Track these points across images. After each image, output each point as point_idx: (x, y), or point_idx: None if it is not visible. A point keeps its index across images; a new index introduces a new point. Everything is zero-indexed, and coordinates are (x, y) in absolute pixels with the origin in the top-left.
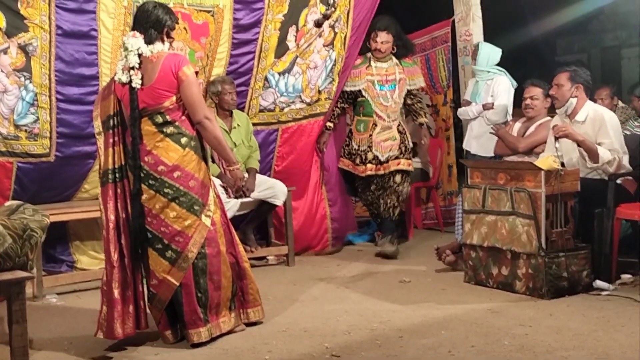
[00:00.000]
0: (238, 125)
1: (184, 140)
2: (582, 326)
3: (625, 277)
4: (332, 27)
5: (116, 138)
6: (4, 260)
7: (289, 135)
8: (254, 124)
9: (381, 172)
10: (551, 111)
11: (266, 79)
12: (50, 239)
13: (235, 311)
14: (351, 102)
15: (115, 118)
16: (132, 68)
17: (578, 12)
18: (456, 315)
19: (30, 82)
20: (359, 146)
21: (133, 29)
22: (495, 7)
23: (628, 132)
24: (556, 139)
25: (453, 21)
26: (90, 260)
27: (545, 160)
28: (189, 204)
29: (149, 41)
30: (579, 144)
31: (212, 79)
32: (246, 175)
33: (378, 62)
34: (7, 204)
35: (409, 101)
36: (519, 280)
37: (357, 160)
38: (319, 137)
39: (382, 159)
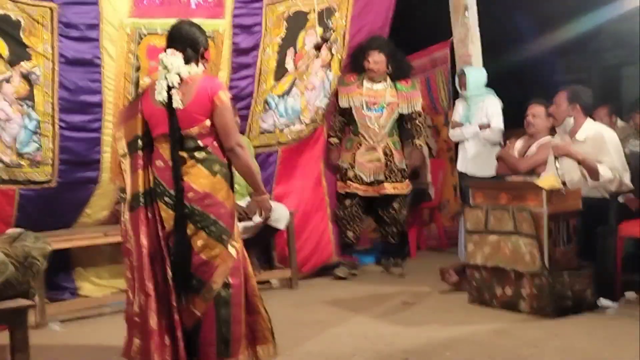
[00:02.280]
0: None
1: (215, 167)
2: (587, 346)
3: (630, 294)
4: (330, 49)
5: (145, 160)
6: (5, 288)
7: (288, 154)
8: (254, 147)
9: (370, 193)
10: (553, 131)
11: (266, 101)
12: (52, 266)
13: (246, 349)
14: (348, 118)
15: (143, 139)
16: (172, 87)
17: (576, 31)
18: (461, 336)
19: (34, 110)
20: (342, 162)
21: (168, 47)
22: (492, 27)
23: (628, 151)
24: (556, 158)
25: (452, 42)
26: (93, 287)
27: (547, 180)
28: (218, 233)
29: (186, 60)
30: (580, 162)
31: None
32: (248, 199)
33: (370, 82)
34: (9, 231)
35: (406, 125)
36: (523, 300)
37: (338, 176)
38: (328, 155)
39: (367, 180)
